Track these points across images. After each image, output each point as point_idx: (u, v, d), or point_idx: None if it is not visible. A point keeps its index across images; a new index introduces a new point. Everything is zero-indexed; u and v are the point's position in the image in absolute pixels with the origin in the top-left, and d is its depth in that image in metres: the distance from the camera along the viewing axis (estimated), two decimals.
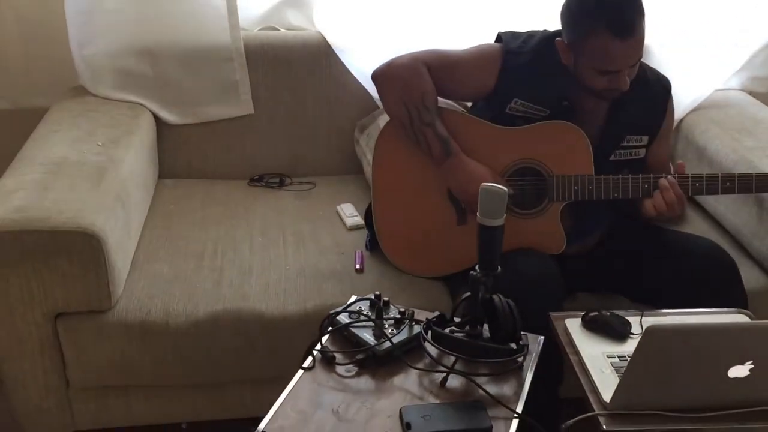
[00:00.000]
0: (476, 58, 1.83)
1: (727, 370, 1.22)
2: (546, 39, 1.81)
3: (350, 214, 2.11)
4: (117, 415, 1.83)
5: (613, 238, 1.91)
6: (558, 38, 1.74)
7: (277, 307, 1.75)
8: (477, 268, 1.36)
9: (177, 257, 1.89)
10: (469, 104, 2.04)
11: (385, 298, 1.48)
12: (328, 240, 2.01)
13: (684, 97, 2.30)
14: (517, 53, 1.80)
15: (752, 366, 1.21)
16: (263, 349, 1.76)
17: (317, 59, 2.28)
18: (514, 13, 2.25)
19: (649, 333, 1.17)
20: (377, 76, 1.83)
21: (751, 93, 2.50)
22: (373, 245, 1.94)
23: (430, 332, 1.39)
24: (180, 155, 2.30)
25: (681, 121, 2.31)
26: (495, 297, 1.39)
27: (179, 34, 2.20)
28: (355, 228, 2.05)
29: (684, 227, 2.05)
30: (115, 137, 2.00)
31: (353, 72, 2.27)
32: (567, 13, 1.72)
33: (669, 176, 1.73)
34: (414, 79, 1.77)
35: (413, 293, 1.81)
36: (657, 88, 1.87)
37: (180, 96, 2.25)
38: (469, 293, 1.39)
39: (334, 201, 2.19)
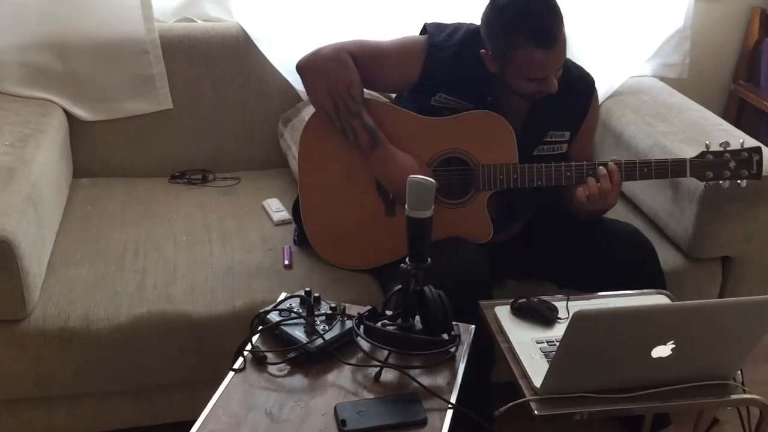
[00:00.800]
0: (401, 50, 1.83)
1: (651, 350, 1.26)
2: (471, 33, 1.81)
3: (277, 209, 2.07)
4: (39, 429, 1.75)
5: (538, 225, 1.95)
6: (482, 50, 1.74)
7: (205, 308, 1.71)
8: (407, 260, 1.35)
9: (96, 260, 1.82)
10: (394, 95, 2.03)
11: (316, 294, 1.46)
12: (254, 236, 1.97)
13: (600, 85, 2.34)
14: (441, 47, 1.81)
15: (674, 345, 1.26)
16: (191, 352, 1.71)
17: (236, 51, 2.23)
18: (434, 4, 2.24)
19: (576, 318, 1.19)
20: (302, 67, 1.80)
21: (662, 79, 2.59)
22: (301, 240, 1.92)
23: (362, 327, 1.38)
24: (96, 153, 2.21)
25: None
26: (426, 288, 1.39)
27: (90, 26, 2.11)
28: (283, 223, 2.02)
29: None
30: (23, 136, 1.90)
31: (274, 64, 2.23)
32: (487, 27, 1.72)
33: (610, 163, 1.75)
34: (340, 70, 1.75)
35: (344, 287, 1.80)
36: (580, 84, 1.90)
37: (93, 91, 2.16)
38: (399, 286, 1.39)
39: (259, 196, 2.15)
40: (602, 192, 1.73)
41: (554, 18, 1.66)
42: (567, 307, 1.58)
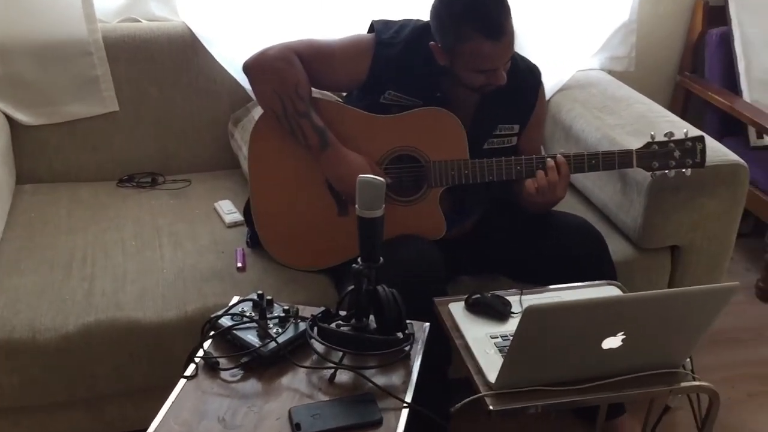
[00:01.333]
0: (348, 48, 1.81)
1: (602, 341, 1.28)
2: (419, 29, 1.81)
3: (228, 210, 2.04)
4: None
5: (490, 220, 1.96)
6: (432, 42, 1.74)
7: (155, 314, 1.68)
8: (359, 260, 1.35)
9: (42, 268, 1.77)
10: (344, 94, 2.01)
11: (269, 297, 1.44)
12: (206, 239, 1.94)
13: (549, 79, 2.37)
14: (389, 44, 1.80)
15: (624, 336, 1.28)
16: (142, 359, 1.68)
17: (183, 51, 2.19)
18: (381, 1, 2.23)
19: (528, 312, 1.20)
20: (249, 68, 1.77)
21: (610, 72, 2.63)
22: (254, 242, 1.89)
23: (315, 329, 1.37)
24: (40, 159, 2.15)
25: (548, 101, 2.39)
26: (379, 288, 1.38)
27: (31, 28, 2.06)
28: (235, 225, 2.00)
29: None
30: None
31: (222, 63, 2.20)
32: (437, 20, 1.72)
33: (558, 155, 1.77)
34: (287, 69, 1.73)
35: (298, 288, 1.79)
36: (527, 77, 1.91)
37: (35, 95, 2.10)
38: (353, 286, 1.38)
39: (211, 198, 2.11)
40: (551, 184, 1.75)
41: (502, 9, 1.68)
42: (520, 302, 1.59)
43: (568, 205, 2.14)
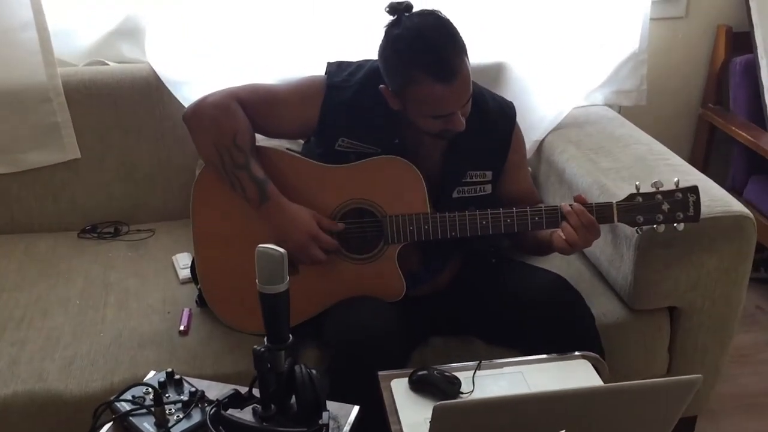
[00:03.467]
0: (297, 93, 1.67)
1: None
2: (375, 70, 1.64)
3: (185, 265, 1.91)
4: None
5: (465, 275, 1.77)
6: (382, 86, 1.58)
7: (78, 385, 1.55)
8: (265, 340, 1.18)
9: None
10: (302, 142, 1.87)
11: (177, 376, 1.30)
12: (155, 297, 1.81)
13: (543, 117, 2.19)
14: (341, 87, 1.65)
15: None
16: None
17: (148, 94, 2.09)
18: (355, 41, 2.08)
19: (437, 412, 1.01)
20: (186, 116, 1.65)
21: (621, 108, 2.42)
22: (203, 301, 1.75)
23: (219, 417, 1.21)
24: (0, 208, 2.07)
25: (542, 142, 2.19)
26: (296, 368, 1.22)
27: None
28: (188, 281, 1.86)
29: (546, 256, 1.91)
30: None
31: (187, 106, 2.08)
32: (383, 62, 1.56)
33: (575, 204, 1.58)
34: (225, 118, 1.60)
35: (243, 354, 1.63)
36: (498, 119, 1.72)
37: None
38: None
39: (172, 249, 1.99)
40: (577, 228, 1.56)
41: (453, 48, 1.49)
42: (473, 379, 1.40)
43: (560, 256, 1.93)
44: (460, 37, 1.51)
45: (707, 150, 2.70)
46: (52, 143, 2.05)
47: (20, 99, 2.01)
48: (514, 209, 1.60)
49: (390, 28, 1.53)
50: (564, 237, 1.57)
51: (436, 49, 1.48)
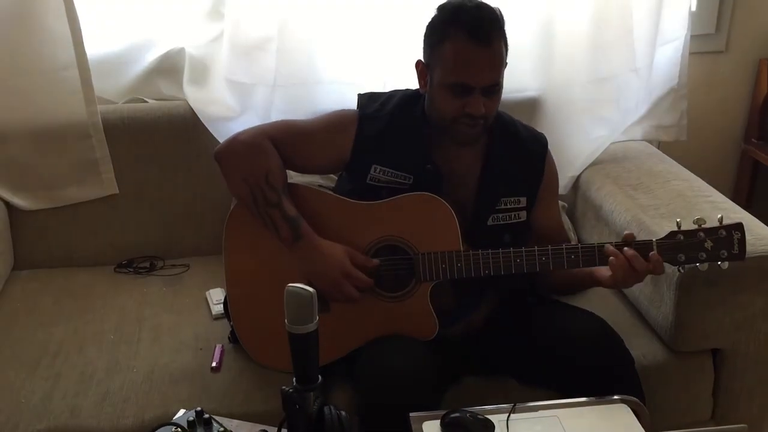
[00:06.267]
0: (328, 127, 1.68)
1: None
2: (406, 98, 1.67)
3: (218, 300, 1.91)
4: None
5: (500, 316, 1.74)
6: (419, 59, 1.63)
7: (110, 422, 1.54)
8: (294, 381, 1.17)
9: (8, 365, 1.69)
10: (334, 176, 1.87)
11: (207, 415, 1.28)
12: (188, 333, 1.81)
13: (579, 153, 2.16)
14: (374, 117, 1.66)
15: None
16: None
17: (185, 131, 2.11)
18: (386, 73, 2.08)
19: None
20: (218, 155, 1.66)
21: (660, 143, 2.37)
22: (235, 337, 1.75)
23: None
24: (39, 244, 2.10)
25: (579, 177, 2.16)
26: (326, 409, 1.20)
27: (29, 111, 2.03)
28: (221, 317, 1.86)
29: (584, 294, 1.87)
30: None
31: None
32: (428, 29, 1.61)
33: (627, 247, 1.53)
34: (257, 157, 1.61)
35: (274, 392, 1.57)
36: (532, 145, 1.72)
37: (33, 179, 2.07)
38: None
39: (205, 285, 1.99)
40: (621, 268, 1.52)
41: (492, 20, 1.55)
42: (507, 423, 1.36)
43: (599, 294, 1.89)
44: (502, 18, 1.57)
45: (750, 187, 2.63)
46: (91, 179, 2.09)
47: (60, 136, 2.05)
48: (549, 247, 1.57)
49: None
50: (611, 274, 1.54)
51: (479, 13, 1.54)
